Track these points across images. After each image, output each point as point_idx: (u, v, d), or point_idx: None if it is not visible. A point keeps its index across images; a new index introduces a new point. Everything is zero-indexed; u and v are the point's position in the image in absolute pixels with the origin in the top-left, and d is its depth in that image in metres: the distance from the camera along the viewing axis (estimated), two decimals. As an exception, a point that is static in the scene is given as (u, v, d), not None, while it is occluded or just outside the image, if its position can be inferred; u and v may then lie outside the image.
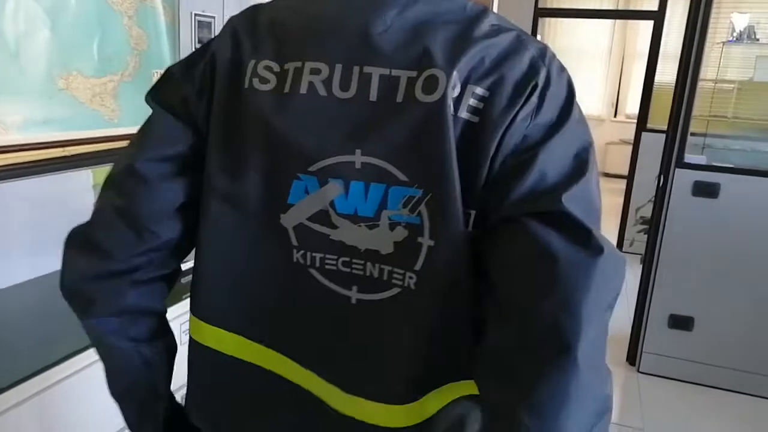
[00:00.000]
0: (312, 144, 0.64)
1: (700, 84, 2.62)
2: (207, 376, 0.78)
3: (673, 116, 2.66)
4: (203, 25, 1.90)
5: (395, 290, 0.66)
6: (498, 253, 0.61)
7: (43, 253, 1.53)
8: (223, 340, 0.75)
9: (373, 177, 0.63)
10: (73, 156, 1.54)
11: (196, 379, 0.79)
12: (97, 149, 1.61)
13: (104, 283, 0.72)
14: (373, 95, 0.63)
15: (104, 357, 0.78)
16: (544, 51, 0.64)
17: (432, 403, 0.68)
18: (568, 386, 0.56)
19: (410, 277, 0.65)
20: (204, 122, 0.71)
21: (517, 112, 0.60)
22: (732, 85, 3.10)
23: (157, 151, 0.71)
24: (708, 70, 2.80)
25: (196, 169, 0.71)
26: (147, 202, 0.70)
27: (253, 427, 0.77)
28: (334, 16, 0.67)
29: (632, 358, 2.92)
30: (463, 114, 0.61)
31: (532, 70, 0.62)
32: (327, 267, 0.68)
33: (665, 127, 2.76)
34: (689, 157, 2.68)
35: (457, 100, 0.61)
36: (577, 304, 0.56)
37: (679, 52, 2.70)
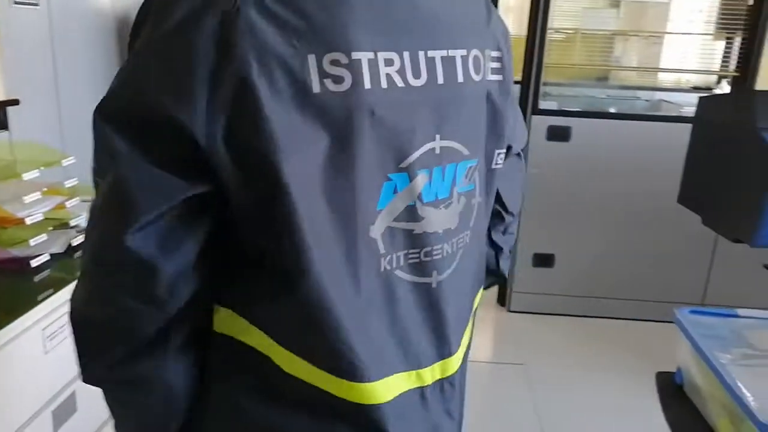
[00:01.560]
0: (402, 140, 0.62)
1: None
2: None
3: (526, 65, 2.78)
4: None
5: (460, 252, 0.72)
6: (508, 178, 0.84)
7: None
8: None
9: (447, 158, 0.66)
10: None
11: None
12: None
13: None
14: (440, 78, 0.64)
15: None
16: None
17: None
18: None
19: (467, 235, 0.72)
20: (226, 153, 0.55)
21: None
22: (565, 35, 3.31)
23: (150, 214, 0.55)
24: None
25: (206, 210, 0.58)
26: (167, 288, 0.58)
27: None
28: None
29: (502, 298, 3.09)
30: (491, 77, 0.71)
31: (498, 16, 0.73)
32: (410, 262, 0.66)
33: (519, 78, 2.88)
34: (542, 104, 2.83)
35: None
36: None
37: (526, 5, 2.80)
